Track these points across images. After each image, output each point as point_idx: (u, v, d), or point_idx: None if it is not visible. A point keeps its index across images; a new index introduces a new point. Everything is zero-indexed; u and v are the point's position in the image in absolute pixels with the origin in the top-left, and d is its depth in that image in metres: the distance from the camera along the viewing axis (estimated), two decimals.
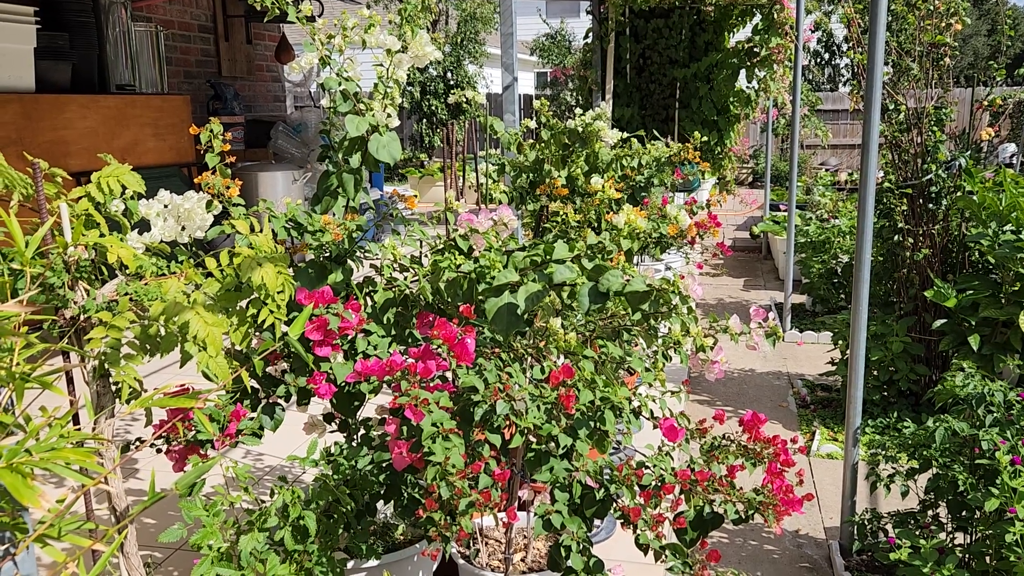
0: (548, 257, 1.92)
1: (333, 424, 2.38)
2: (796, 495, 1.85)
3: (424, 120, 14.53)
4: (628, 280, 1.80)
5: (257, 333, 2.06)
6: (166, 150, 6.40)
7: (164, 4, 7.44)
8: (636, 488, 1.83)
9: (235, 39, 8.58)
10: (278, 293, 1.75)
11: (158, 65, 6.77)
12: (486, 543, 2.56)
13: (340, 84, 2.17)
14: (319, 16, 2.26)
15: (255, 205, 2.27)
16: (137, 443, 2.04)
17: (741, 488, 1.93)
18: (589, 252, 1.93)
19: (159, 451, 2.03)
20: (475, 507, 1.59)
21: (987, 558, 2.47)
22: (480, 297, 2.02)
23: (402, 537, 2.50)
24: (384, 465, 2.06)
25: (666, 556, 1.75)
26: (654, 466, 1.91)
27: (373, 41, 2.17)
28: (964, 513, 2.58)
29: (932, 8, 4.11)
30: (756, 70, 8.07)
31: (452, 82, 14.47)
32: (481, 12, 14.94)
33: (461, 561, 2.45)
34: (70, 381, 1.66)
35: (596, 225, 3.01)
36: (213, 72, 8.23)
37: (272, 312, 1.73)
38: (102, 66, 6.28)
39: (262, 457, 3.62)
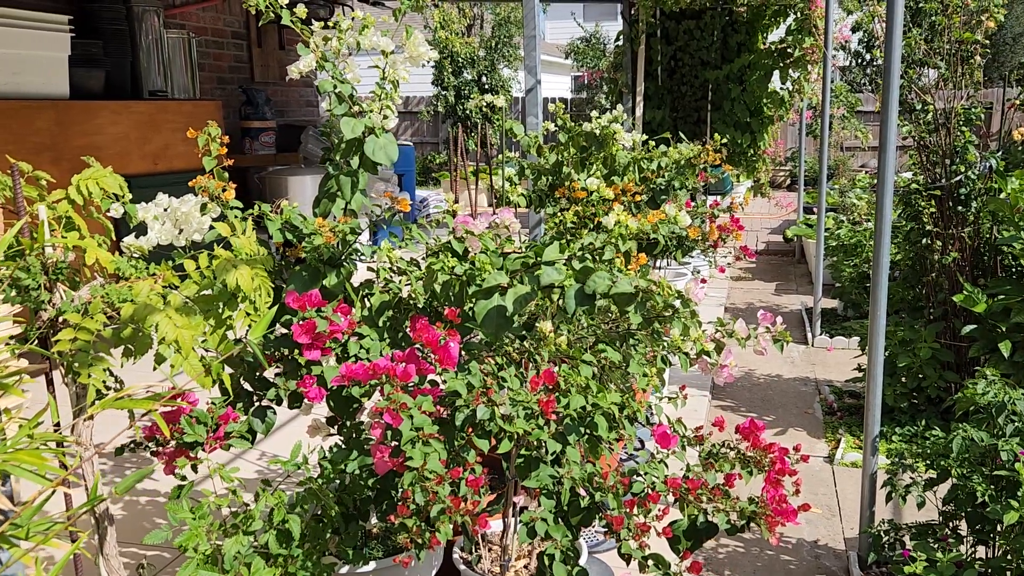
0: (539, 259, 1.89)
1: (335, 427, 2.37)
2: (791, 505, 1.79)
3: (459, 124, 14.56)
4: (615, 282, 1.76)
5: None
6: (196, 155, 6.47)
7: (197, 11, 7.55)
8: (622, 496, 1.78)
9: (268, 45, 8.67)
10: (258, 296, 1.74)
11: (190, 71, 6.87)
12: (489, 548, 2.53)
13: (335, 87, 2.16)
14: (331, 20, 2.26)
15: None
16: (133, 446, 2.05)
17: (736, 497, 1.88)
18: (581, 254, 1.90)
19: (152, 453, 2.03)
20: (446, 513, 1.56)
21: (1008, 573, 2.37)
22: (472, 300, 1.99)
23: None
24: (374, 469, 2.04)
25: (649, 566, 1.71)
26: (646, 474, 1.86)
27: (367, 43, 2.16)
28: (984, 526, 2.49)
29: (962, 4, 3.99)
30: (790, 71, 7.92)
31: (487, 86, 14.49)
32: (515, 16, 14.96)
33: (463, 567, 2.43)
34: (50, 383, 1.67)
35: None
36: (246, 78, 8.32)
37: (249, 315, 1.73)
38: (135, 73, 6.39)
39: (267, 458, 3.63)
